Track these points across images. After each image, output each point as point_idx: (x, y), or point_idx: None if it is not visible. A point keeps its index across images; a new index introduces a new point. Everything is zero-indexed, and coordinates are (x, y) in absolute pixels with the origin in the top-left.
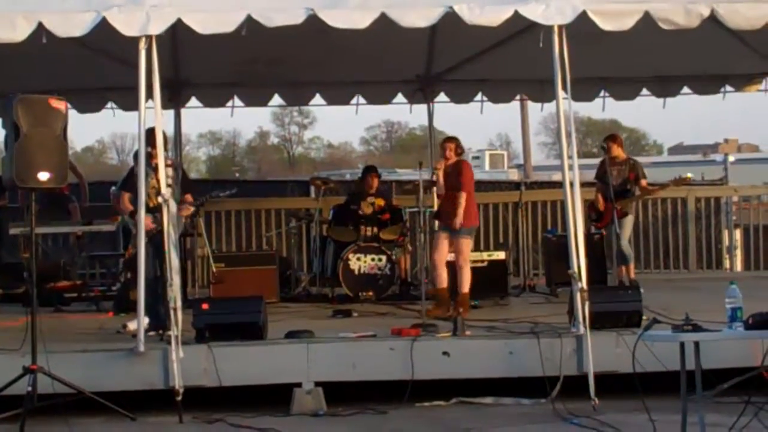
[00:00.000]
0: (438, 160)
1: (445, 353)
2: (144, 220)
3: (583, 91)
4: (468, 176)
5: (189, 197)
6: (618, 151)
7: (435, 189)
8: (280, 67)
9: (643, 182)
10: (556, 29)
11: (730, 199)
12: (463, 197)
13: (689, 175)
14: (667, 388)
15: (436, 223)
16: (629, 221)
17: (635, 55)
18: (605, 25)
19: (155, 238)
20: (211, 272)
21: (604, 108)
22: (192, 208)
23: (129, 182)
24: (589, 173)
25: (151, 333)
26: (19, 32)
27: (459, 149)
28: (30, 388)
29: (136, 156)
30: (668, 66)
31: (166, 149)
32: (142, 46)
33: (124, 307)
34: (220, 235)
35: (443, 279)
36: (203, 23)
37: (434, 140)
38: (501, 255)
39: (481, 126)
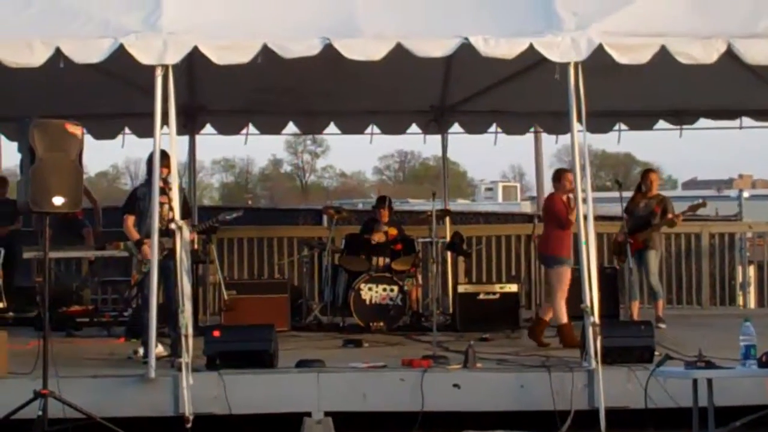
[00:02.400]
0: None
1: (455, 385)
2: (146, 248)
3: (598, 123)
4: None
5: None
6: (653, 186)
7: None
8: (294, 95)
9: (669, 216)
10: (572, 65)
11: (745, 235)
12: None
13: (699, 201)
14: (678, 425)
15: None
16: (653, 256)
17: (651, 88)
18: (622, 58)
19: (160, 264)
20: (223, 299)
21: (619, 141)
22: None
23: (131, 205)
24: (602, 207)
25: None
26: (36, 57)
27: None
28: (40, 413)
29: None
30: (684, 100)
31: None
32: (159, 73)
33: (135, 333)
34: (232, 263)
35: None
36: (219, 53)
37: (447, 171)
38: (513, 287)
39: (495, 158)
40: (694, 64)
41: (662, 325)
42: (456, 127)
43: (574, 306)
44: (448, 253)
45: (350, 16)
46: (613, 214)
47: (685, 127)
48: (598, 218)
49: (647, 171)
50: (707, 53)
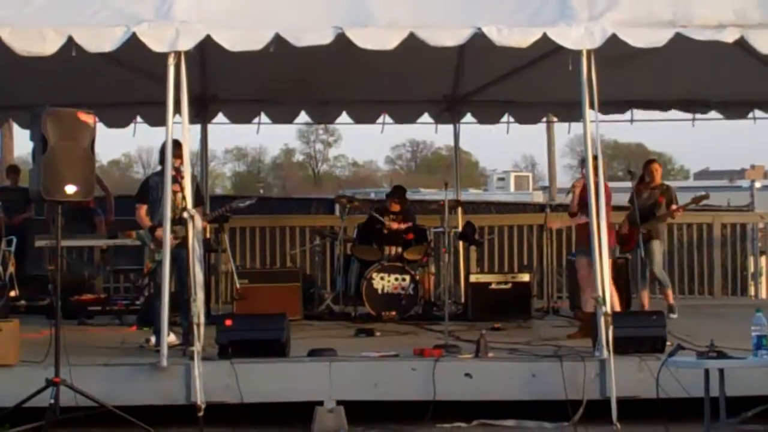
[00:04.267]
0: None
1: (467, 375)
2: (160, 231)
3: (610, 111)
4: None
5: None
6: (656, 176)
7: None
8: (307, 85)
9: (672, 207)
10: (584, 53)
11: (756, 225)
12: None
13: (703, 193)
14: (690, 415)
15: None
16: (657, 246)
17: (664, 79)
18: (637, 43)
19: (173, 252)
20: (235, 288)
21: (632, 122)
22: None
23: (143, 194)
24: (614, 197)
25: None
26: (49, 46)
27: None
28: (52, 401)
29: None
30: (697, 91)
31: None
32: (171, 61)
33: (147, 321)
34: (244, 252)
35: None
36: (232, 40)
37: (459, 160)
38: (525, 277)
39: (507, 147)
40: (706, 53)
41: (673, 315)
42: (468, 117)
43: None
44: (460, 243)
45: (363, 5)
46: (626, 204)
47: (697, 116)
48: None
49: (649, 162)
50: (722, 36)
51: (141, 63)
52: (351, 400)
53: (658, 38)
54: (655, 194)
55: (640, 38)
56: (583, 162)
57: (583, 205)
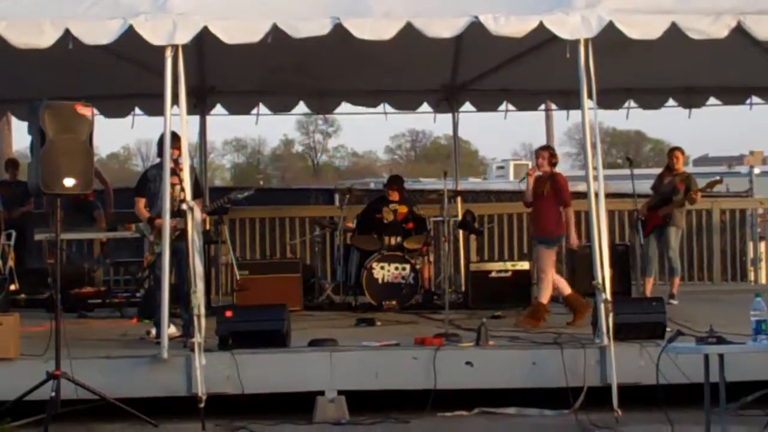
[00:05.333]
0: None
1: (468, 363)
2: (159, 221)
3: (608, 100)
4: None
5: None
6: (676, 163)
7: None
8: (305, 75)
9: (691, 193)
10: (581, 42)
11: (755, 211)
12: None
13: (717, 178)
14: (690, 401)
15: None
16: (674, 232)
17: (662, 66)
18: (633, 34)
19: (172, 245)
20: (235, 280)
21: (627, 116)
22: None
23: (142, 187)
24: (613, 184)
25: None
26: (46, 38)
27: (553, 159)
28: (53, 394)
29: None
30: (695, 77)
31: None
32: (169, 54)
33: (147, 313)
34: (244, 243)
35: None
36: (229, 33)
37: (459, 149)
38: (525, 265)
39: (506, 136)
40: (704, 39)
41: (674, 302)
42: (467, 106)
43: (586, 283)
44: (460, 232)
45: None
46: (624, 192)
47: (693, 107)
48: (609, 196)
49: (672, 149)
50: (718, 28)
51: (138, 55)
52: (352, 389)
53: (654, 29)
54: (674, 181)
55: (636, 29)
56: (539, 150)
57: (537, 195)
